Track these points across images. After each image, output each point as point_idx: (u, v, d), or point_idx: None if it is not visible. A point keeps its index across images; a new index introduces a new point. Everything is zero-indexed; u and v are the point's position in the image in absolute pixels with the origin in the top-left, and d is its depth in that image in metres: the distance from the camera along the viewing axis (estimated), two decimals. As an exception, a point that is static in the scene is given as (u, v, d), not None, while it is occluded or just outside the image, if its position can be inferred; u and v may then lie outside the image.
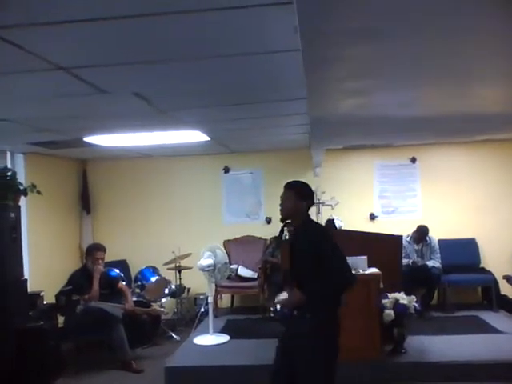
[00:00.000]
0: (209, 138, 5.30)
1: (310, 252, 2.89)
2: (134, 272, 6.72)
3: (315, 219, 7.10)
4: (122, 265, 6.80)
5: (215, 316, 6.09)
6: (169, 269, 6.43)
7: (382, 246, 5.11)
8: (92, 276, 5.23)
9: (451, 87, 3.21)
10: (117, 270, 5.88)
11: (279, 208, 3.08)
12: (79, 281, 5.24)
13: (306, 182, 3.21)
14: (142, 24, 2.01)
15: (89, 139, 5.07)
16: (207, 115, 4.12)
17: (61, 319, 5.32)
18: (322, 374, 2.91)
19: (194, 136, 5.10)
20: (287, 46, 2.27)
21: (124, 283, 5.72)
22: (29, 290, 5.02)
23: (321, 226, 3.24)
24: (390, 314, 4.57)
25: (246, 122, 4.55)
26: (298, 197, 3.01)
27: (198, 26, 2.05)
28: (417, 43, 2.17)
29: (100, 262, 5.34)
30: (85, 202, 7.28)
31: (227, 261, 5.93)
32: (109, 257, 5.83)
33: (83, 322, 5.02)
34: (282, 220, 3.10)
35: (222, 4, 1.82)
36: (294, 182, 3.12)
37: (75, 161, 7.24)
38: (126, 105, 3.51)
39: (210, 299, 5.69)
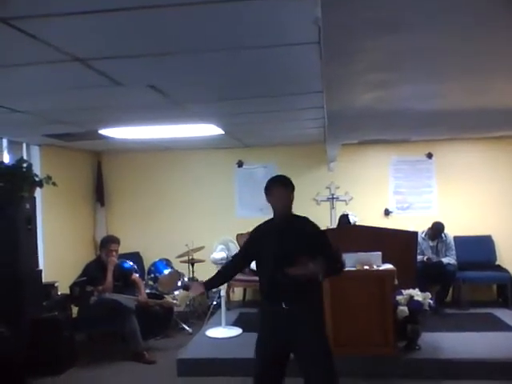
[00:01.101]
0: (223, 132, 5.29)
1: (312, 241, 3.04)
2: (147, 264, 6.74)
3: (329, 214, 7.10)
4: (136, 257, 6.83)
5: (227, 309, 6.10)
6: (182, 262, 6.45)
7: (397, 242, 5.07)
8: (106, 268, 5.27)
9: (473, 82, 3.15)
10: (130, 262, 5.91)
11: (280, 205, 3.10)
12: (93, 272, 5.28)
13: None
14: (158, 15, 1.99)
15: (103, 131, 5.08)
16: (222, 108, 4.10)
17: (75, 310, 5.38)
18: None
19: (209, 129, 5.09)
20: (305, 38, 2.24)
21: (137, 275, 5.75)
22: (43, 280, 5.07)
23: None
24: (404, 310, 4.53)
25: (260, 116, 4.51)
26: (292, 190, 3.14)
27: (214, 17, 2.03)
28: (439, 37, 2.12)
29: (114, 253, 5.37)
30: (99, 195, 7.32)
31: (240, 254, 5.92)
32: (122, 249, 5.86)
33: (97, 313, 5.06)
34: (287, 217, 3.13)
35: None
36: (283, 176, 3.19)
37: (90, 153, 7.28)
38: (141, 97, 3.50)
39: (223, 292, 5.70)
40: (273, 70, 2.85)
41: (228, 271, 3.57)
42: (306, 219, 3.20)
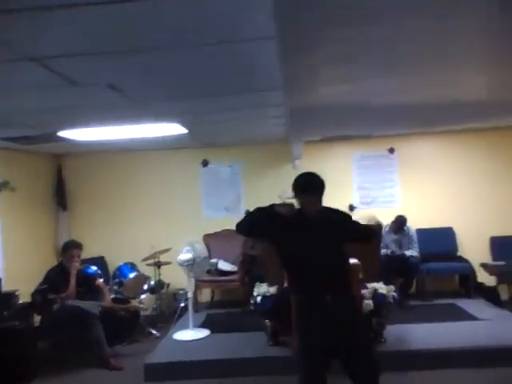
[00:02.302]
0: (187, 131, 5.23)
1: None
2: (111, 269, 6.64)
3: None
4: (100, 262, 6.69)
5: (195, 311, 6.06)
6: (147, 264, 6.36)
7: (361, 237, 5.11)
8: (68, 274, 5.13)
9: (431, 74, 3.20)
10: (94, 267, 5.79)
11: (312, 209, 3.03)
12: (55, 279, 5.14)
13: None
14: (115, 12, 1.94)
15: (63, 134, 4.95)
16: (183, 107, 4.05)
17: (37, 318, 5.21)
18: None
19: (172, 129, 5.03)
20: (261, 33, 2.22)
21: (101, 280, 5.63)
22: (3, 289, 4.91)
23: None
24: (369, 303, 4.59)
25: (223, 114, 4.49)
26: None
27: (171, 14, 1.99)
28: (396, 29, 2.14)
29: (76, 259, 5.24)
30: (60, 199, 7.14)
31: (207, 255, 5.90)
32: (86, 254, 5.74)
33: (60, 320, 4.93)
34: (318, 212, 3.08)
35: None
36: (321, 182, 3.09)
37: (50, 156, 7.09)
38: (100, 97, 3.42)
39: (190, 294, 5.64)
40: (231, 67, 2.83)
41: None
42: (332, 209, 3.19)
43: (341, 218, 3.19)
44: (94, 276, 5.59)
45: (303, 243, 3.01)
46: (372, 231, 3.41)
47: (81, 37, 2.23)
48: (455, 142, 7.04)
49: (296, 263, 3.10)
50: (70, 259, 5.20)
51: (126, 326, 5.46)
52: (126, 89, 3.24)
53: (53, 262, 6.35)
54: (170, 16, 2.02)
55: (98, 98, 3.47)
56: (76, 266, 5.20)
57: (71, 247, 5.31)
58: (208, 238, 7.06)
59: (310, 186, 3.06)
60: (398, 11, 1.86)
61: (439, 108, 4.46)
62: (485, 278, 6.47)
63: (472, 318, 5.57)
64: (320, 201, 3.05)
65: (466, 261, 6.64)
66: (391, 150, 7.18)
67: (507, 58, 2.95)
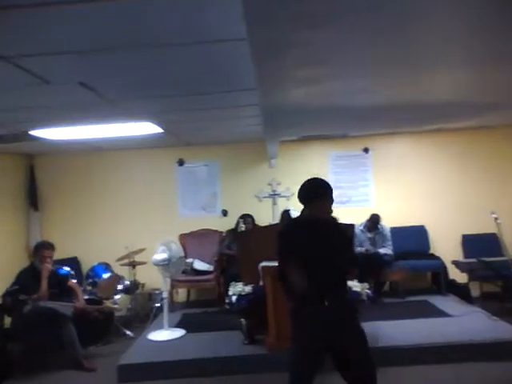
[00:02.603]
0: (162, 130, 5.20)
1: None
2: (85, 269, 6.56)
3: (271, 210, 7.15)
4: (73, 262, 6.61)
5: (171, 311, 6.02)
6: (122, 265, 6.31)
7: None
8: (40, 275, 5.04)
9: (401, 76, 3.25)
10: (66, 268, 5.71)
11: (321, 215, 3.07)
12: (26, 280, 5.03)
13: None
14: (86, 10, 1.92)
15: (34, 133, 4.86)
16: (158, 106, 4.02)
17: (8, 320, 5.12)
18: None
19: (147, 128, 4.99)
20: (233, 34, 2.23)
21: (74, 281, 5.56)
22: (-28, 291, 4.80)
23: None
24: (343, 301, 4.63)
25: (198, 114, 4.47)
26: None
27: (143, 13, 1.98)
28: (366, 30, 2.17)
29: (48, 260, 5.15)
30: (32, 199, 7.02)
31: (182, 255, 5.87)
32: (59, 254, 5.65)
33: (32, 322, 4.83)
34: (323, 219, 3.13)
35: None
36: (330, 188, 3.11)
37: (21, 156, 6.97)
38: (72, 95, 3.37)
39: (165, 294, 5.61)
40: (205, 67, 2.82)
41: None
42: (335, 219, 3.30)
43: (343, 233, 3.34)
44: (67, 277, 5.52)
45: (313, 250, 3.02)
46: (356, 262, 3.50)
47: (52, 36, 2.20)
48: (428, 142, 7.16)
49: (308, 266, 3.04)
50: (42, 260, 5.11)
51: (100, 326, 5.40)
52: (99, 87, 3.21)
53: (24, 262, 6.21)
54: (143, 16, 2.01)
55: (70, 97, 3.42)
56: (48, 266, 5.11)
57: (43, 248, 5.22)
58: (184, 238, 7.03)
59: (321, 192, 3.06)
60: (366, 13, 1.88)
61: (412, 109, 4.53)
62: (456, 276, 6.60)
63: (444, 314, 5.68)
64: (331, 207, 3.10)
65: (437, 258, 6.76)
66: (366, 150, 7.27)
67: (477, 61, 3.02)
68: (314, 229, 3.05)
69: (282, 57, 2.28)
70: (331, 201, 3.06)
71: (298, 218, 3.15)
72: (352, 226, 5.47)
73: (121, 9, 1.92)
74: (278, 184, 7.18)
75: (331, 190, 3.07)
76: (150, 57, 2.62)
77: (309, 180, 3.14)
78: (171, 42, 2.35)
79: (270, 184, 7.20)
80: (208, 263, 6.76)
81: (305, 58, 2.38)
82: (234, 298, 4.90)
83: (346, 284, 3.24)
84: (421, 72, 3.18)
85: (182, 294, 7.06)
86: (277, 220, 6.85)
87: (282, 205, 6.98)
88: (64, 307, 5.04)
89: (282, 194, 7.13)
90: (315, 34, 2.01)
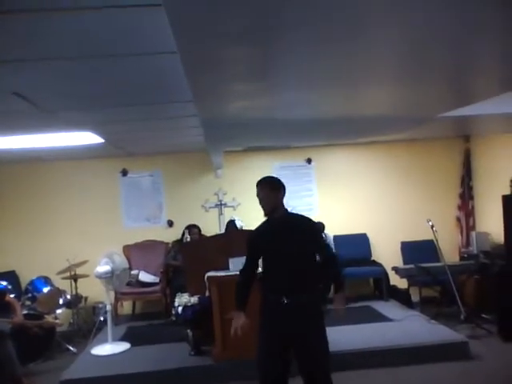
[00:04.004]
0: (103, 140, 5.11)
1: (312, 240, 3.27)
2: (23, 283, 6.31)
3: (218, 220, 7.16)
4: (11, 276, 6.35)
5: (115, 324, 5.90)
6: (63, 278, 6.12)
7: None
8: (-25, 290, 4.82)
9: (337, 89, 3.37)
10: (3, 283, 5.47)
11: (261, 205, 3.23)
12: (-40, 296, 4.80)
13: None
14: (20, 20, 1.88)
15: (-32, 142, 4.66)
16: (97, 116, 3.95)
17: None
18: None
19: (87, 138, 4.88)
20: (164, 47, 2.22)
21: (12, 296, 5.33)
22: None
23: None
24: (288, 309, 4.69)
25: (138, 124, 4.43)
26: (274, 190, 3.22)
27: (78, 24, 1.96)
28: (299, 45, 2.23)
29: (-16, 274, 4.94)
30: (-33, 210, 6.69)
31: (127, 266, 5.77)
32: (-5, 268, 5.43)
33: (-35, 339, 4.61)
34: (267, 214, 3.24)
35: (97, 3, 1.75)
36: (265, 178, 3.31)
37: (-45, 166, 6.64)
38: (6, 105, 3.26)
39: (109, 307, 5.48)
40: (141, 78, 2.80)
41: (250, 282, 3.40)
42: (301, 215, 3.36)
43: (312, 229, 3.39)
44: (4, 292, 5.28)
45: (276, 248, 3.20)
46: (333, 262, 3.57)
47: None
48: (368, 153, 7.42)
49: (268, 266, 3.31)
50: (-23, 275, 4.89)
51: (40, 342, 5.23)
52: (33, 97, 3.12)
53: (-42, 278, 5.94)
54: (80, 27, 1.99)
55: (4, 106, 3.31)
56: (-17, 281, 4.90)
57: (-22, 262, 5.00)
58: (128, 249, 6.91)
59: (261, 181, 3.28)
60: (299, 28, 1.93)
61: (346, 122, 4.69)
62: (397, 281, 6.84)
63: (385, 319, 5.87)
64: (276, 196, 3.24)
65: (379, 265, 6.98)
66: (309, 161, 7.44)
67: (411, 77, 3.18)
68: (278, 227, 3.22)
69: (213, 71, 2.30)
70: (275, 192, 3.23)
71: (270, 217, 3.28)
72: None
73: (56, 19, 1.90)
74: (225, 194, 7.23)
75: (275, 183, 3.29)
76: (87, 67, 2.58)
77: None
78: (108, 52, 2.33)
79: (216, 194, 7.23)
80: (154, 275, 6.67)
81: (237, 73, 2.40)
82: (179, 309, 4.87)
83: (311, 283, 3.24)
84: (356, 86, 3.31)
85: (127, 307, 6.92)
86: (223, 230, 6.88)
87: (229, 215, 7.03)
88: (1, 323, 4.82)
89: (229, 204, 7.18)
90: (243, 50, 2.03)
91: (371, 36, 2.26)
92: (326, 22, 1.96)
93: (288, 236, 3.19)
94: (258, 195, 3.23)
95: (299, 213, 3.45)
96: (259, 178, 3.31)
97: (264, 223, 3.34)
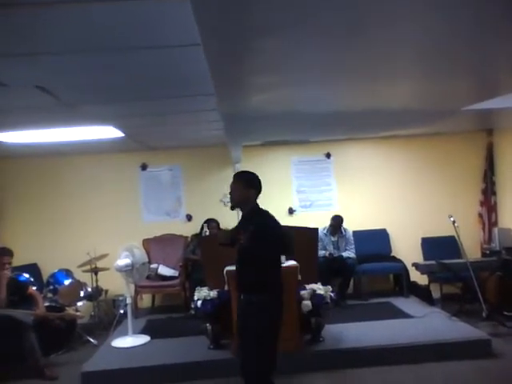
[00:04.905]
0: (123, 134, 5.14)
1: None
2: (45, 276, 6.40)
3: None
4: (33, 269, 6.44)
5: (135, 317, 5.95)
6: (84, 271, 6.18)
7: (299, 239, 5.18)
8: (-2, 282, 4.90)
9: (360, 83, 3.33)
10: (26, 275, 5.56)
11: (229, 196, 3.35)
12: (-16, 287, 4.89)
13: (254, 172, 3.49)
14: (44, 13, 1.89)
15: (-8, 136, 4.73)
16: (118, 110, 3.97)
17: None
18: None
19: (108, 132, 4.92)
20: (187, 40, 2.22)
21: (34, 288, 5.42)
22: None
23: (269, 215, 3.37)
24: (307, 304, 4.69)
25: (159, 118, 4.44)
26: (246, 186, 3.29)
27: (102, 16, 1.96)
28: (325, 39, 2.21)
29: (7, 266, 5.01)
30: (-10, 204, 6.81)
31: (146, 260, 5.80)
32: (18, 261, 5.52)
33: (-10, 330, 4.70)
34: (233, 208, 3.38)
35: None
36: (241, 172, 3.46)
37: (-22, 160, 6.75)
38: (29, 99, 3.28)
39: (129, 300, 5.53)
40: (162, 72, 2.80)
41: None
42: (259, 215, 3.35)
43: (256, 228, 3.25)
44: (26, 284, 5.38)
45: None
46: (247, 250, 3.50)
47: (8, 38, 2.15)
48: (388, 147, 7.33)
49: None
50: (0, 267, 4.97)
51: (62, 334, 5.31)
52: (56, 91, 3.14)
53: (-18, 270, 6.05)
54: (102, 19, 1.99)
55: (27, 100, 3.34)
56: (6, 273, 4.98)
57: (1, 254, 5.07)
58: (148, 243, 6.95)
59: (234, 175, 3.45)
60: (323, 20, 1.90)
61: (373, 115, 4.64)
62: (418, 278, 6.76)
63: (406, 315, 5.80)
64: (237, 190, 3.35)
65: (399, 261, 6.91)
66: (328, 155, 7.38)
67: (432, 71, 3.13)
68: (242, 221, 3.40)
69: (236, 63, 2.28)
70: (237, 185, 3.33)
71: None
72: (315, 229, 5.52)
73: (79, 13, 1.90)
74: (243, 188, 7.20)
75: (240, 176, 3.42)
76: (108, 61, 2.59)
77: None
78: (131, 45, 2.33)
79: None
80: (173, 268, 6.71)
81: (260, 65, 2.38)
82: (199, 303, 4.88)
83: (249, 276, 3.29)
84: (380, 80, 3.26)
85: (146, 300, 6.97)
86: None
87: (247, 209, 7.01)
88: (24, 315, 4.91)
89: (247, 199, 7.16)
90: (268, 42, 2.02)
91: (396, 29, 2.22)
92: (350, 14, 1.93)
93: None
94: (230, 186, 3.33)
95: (271, 213, 3.39)
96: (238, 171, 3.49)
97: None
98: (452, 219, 5.93)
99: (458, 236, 5.94)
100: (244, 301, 3.33)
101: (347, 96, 3.61)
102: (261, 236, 3.17)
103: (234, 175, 3.41)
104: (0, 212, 6.92)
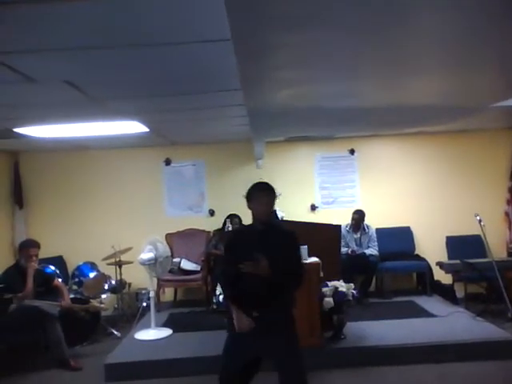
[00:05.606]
0: (148, 129, 5.19)
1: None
2: (71, 268, 6.51)
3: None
4: (58, 261, 6.56)
5: (158, 310, 6.02)
6: (108, 264, 6.27)
7: (322, 236, 5.20)
8: (25, 273, 4.99)
9: (386, 79, 3.29)
10: (52, 267, 5.66)
11: (264, 209, 3.02)
12: (12, 278, 4.99)
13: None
14: (72, 8, 1.91)
15: (19, 130, 4.82)
16: (144, 105, 4.01)
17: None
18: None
19: (133, 127, 4.97)
20: (217, 35, 2.22)
21: (60, 280, 5.52)
22: (-44, 289, 4.73)
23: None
24: (329, 301, 4.67)
25: (184, 113, 4.46)
26: (248, 201, 3.08)
27: (129, 12, 1.98)
28: (352, 33, 2.19)
29: (34, 258, 5.10)
30: (17, 197, 6.96)
31: (169, 254, 5.86)
32: (44, 253, 5.61)
33: (17, 321, 4.80)
34: (267, 222, 3.07)
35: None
36: (268, 184, 3.10)
37: (6, 153, 6.89)
38: (57, 94, 3.34)
39: (152, 293, 5.60)
40: (190, 66, 2.81)
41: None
42: (284, 228, 3.20)
43: (288, 244, 3.10)
44: (53, 276, 5.49)
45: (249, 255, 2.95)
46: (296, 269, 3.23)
47: (38, 33, 2.18)
48: (412, 144, 7.23)
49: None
50: (28, 258, 5.07)
51: (86, 326, 5.40)
52: (83, 86, 3.18)
53: (10, 261, 6.18)
54: (129, 15, 2.01)
55: (55, 95, 3.39)
56: (33, 265, 5.07)
57: (28, 246, 5.17)
58: (171, 237, 7.02)
59: (260, 187, 3.08)
60: (350, 15, 1.89)
61: (396, 111, 4.58)
62: (441, 276, 6.67)
63: (429, 314, 5.74)
64: (272, 203, 3.06)
65: (423, 259, 6.82)
66: (352, 151, 7.32)
67: (460, 67, 3.08)
68: (252, 236, 3.08)
69: (264, 58, 2.28)
70: (271, 199, 3.04)
71: (242, 225, 3.14)
72: (339, 226, 5.49)
73: (107, 7, 1.91)
74: (266, 184, 7.20)
75: (272, 190, 3.06)
76: (136, 56, 2.61)
77: (256, 183, 3.17)
78: (157, 41, 2.35)
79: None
80: (195, 263, 6.75)
81: (288, 60, 2.37)
82: (221, 298, 4.90)
83: (276, 294, 2.98)
84: (406, 76, 3.22)
85: (168, 294, 7.04)
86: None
87: (270, 205, 7.01)
88: (50, 306, 5.01)
89: (270, 195, 7.15)
90: (296, 36, 2.01)
91: (422, 24, 2.19)
92: (376, 10, 1.91)
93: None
94: (262, 201, 3.00)
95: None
96: (257, 182, 3.14)
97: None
98: (478, 218, 5.83)
99: (484, 235, 5.84)
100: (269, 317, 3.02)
101: (373, 92, 3.57)
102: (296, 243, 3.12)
103: (271, 189, 3.07)
104: (27, 205, 7.06)
